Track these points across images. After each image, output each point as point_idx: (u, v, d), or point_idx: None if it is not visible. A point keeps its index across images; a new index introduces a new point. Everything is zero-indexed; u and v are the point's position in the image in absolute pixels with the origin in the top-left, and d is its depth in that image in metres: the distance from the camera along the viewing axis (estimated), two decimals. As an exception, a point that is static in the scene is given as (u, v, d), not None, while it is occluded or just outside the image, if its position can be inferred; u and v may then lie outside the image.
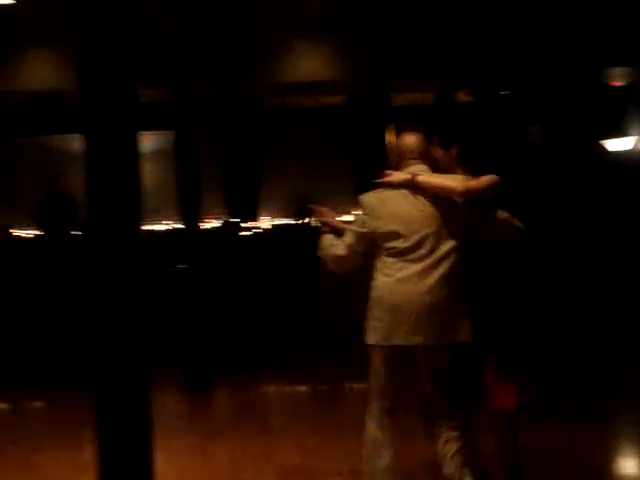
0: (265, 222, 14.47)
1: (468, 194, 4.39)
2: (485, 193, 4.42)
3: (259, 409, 7.41)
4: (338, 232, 4.65)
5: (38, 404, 8.56)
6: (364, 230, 4.47)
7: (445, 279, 4.37)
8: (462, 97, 13.80)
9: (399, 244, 4.39)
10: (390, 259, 4.41)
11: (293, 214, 14.10)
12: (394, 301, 4.36)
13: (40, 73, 11.01)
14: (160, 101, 9.76)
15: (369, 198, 4.52)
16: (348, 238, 4.52)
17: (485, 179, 4.42)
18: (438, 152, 4.59)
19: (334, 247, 4.55)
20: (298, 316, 11.94)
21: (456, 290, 4.40)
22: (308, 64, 11.24)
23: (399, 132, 4.83)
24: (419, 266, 4.36)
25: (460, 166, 4.54)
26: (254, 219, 14.33)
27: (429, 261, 4.37)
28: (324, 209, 4.81)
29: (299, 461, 5.70)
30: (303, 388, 8.70)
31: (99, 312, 3.40)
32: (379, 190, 4.53)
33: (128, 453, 3.46)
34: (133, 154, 3.40)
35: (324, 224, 4.73)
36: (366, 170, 14.38)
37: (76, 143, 13.39)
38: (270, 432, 6.52)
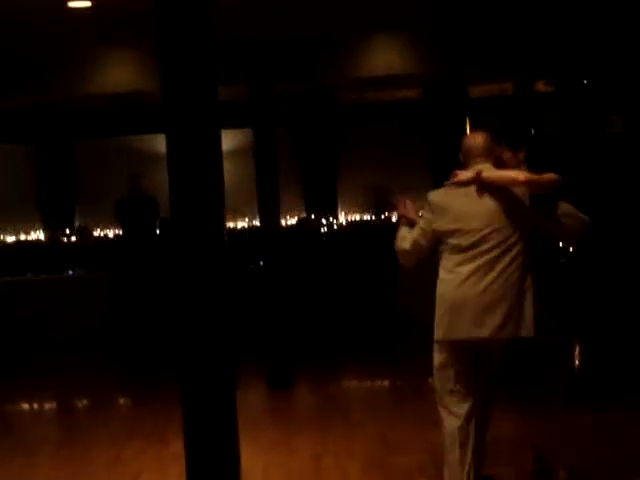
0: (343, 218, 14.48)
1: (528, 184, 4.51)
2: (545, 188, 4.55)
3: (340, 404, 7.42)
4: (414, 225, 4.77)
5: (127, 400, 8.73)
6: (429, 227, 4.63)
7: (506, 274, 4.49)
8: (541, 87, 13.62)
9: (462, 241, 4.53)
10: (453, 256, 4.56)
11: (371, 210, 14.08)
12: (456, 297, 4.51)
13: (121, 74, 11.22)
14: (238, 99, 9.86)
15: (435, 196, 4.70)
16: (414, 233, 4.69)
17: (547, 176, 4.55)
18: (506, 154, 4.76)
19: (403, 241, 4.71)
20: (378, 313, 11.92)
21: (519, 285, 4.50)
22: (383, 58, 11.21)
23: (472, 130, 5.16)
24: (480, 262, 4.50)
25: (527, 168, 4.70)
26: (333, 215, 14.34)
27: (490, 257, 4.50)
28: (408, 201, 4.90)
29: (381, 456, 5.71)
30: (383, 383, 8.69)
31: (185, 310, 3.45)
32: (446, 188, 4.70)
33: (215, 447, 3.51)
34: (215, 152, 3.44)
35: (403, 216, 4.84)
36: (443, 164, 14.26)
37: (156, 143, 13.61)
38: (352, 427, 6.53)
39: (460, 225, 4.54)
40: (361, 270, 12.30)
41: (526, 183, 4.52)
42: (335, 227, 13.82)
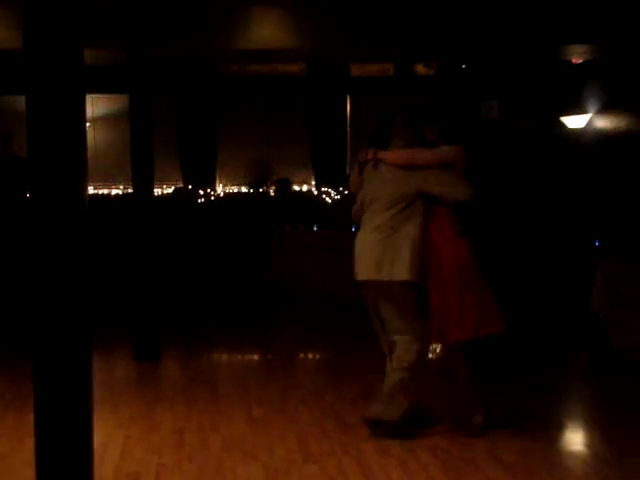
0: (220, 189, 14.37)
1: (407, 164, 5.53)
2: (426, 164, 5.53)
3: (207, 377, 7.36)
4: None
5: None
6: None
7: (387, 227, 5.48)
8: (421, 70, 13.79)
9: (366, 203, 5.69)
10: (363, 215, 5.71)
11: (249, 182, 14.02)
12: (356, 246, 5.66)
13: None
14: (115, 64, 9.62)
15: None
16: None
17: (428, 155, 5.55)
18: (425, 129, 5.63)
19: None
20: (248, 285, 11.91)
21: (401, 236, 5.45)
22: (267, 31, 11.12)
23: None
24: (371, 217, 5.60)
25: (442, 141, 5.60)
26: (210, 186, 14.21)
27: (378, 213, 5.56)
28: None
29: (245, 431, 5.69)
30: (252, 357, 8.68)
31: (39, 277, 3.32)
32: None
33: (67, 421, 3.40)
34: (77, 116, 3.31)
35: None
36: (323, 139, 14.34)
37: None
38: (217, 401, 6.48)
39: (367, 191, 5.70)
40: (234, 242, 12.26)
41: (404, 164, 5.52)
42: (212, 198, 13.71)
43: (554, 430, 5.79)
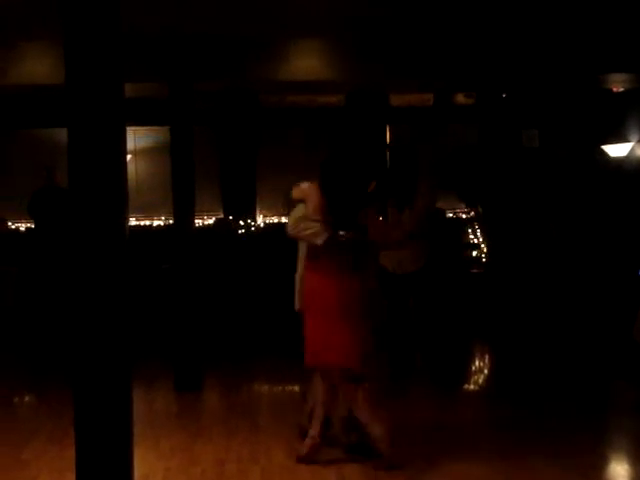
0: (260, 220, 14.41)
1: None
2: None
3: (248, 409, 7.35)
4: None
5: (29, 399, 8.51)
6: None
7: None
8: (461, 99, 13.77)
9: None
10: None
11: (288, 213, 14.05)
12: None
13: (38, 67, 10.96)
14: (159, 97, 9.71)
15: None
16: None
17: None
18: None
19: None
20: (290, 316, 11.88)
21: None
22: (306, 63, 11.17)
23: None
24: None
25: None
26: (251, 217, 14.26)
27: None
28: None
29: (285, 463, 5.66)
30: (292, 388, 8.65)
31: (80, 308, 3.34)
32: None
33: (107, 452, 3.41)
34: (118, 149, 3.34)
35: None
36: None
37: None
38: (257, 432, 6.47)
39: None
40: (275, 272, 12.23)
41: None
42: (252, 229, 13.75)
43: (596, 464, 5.69)
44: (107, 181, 3.28)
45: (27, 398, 8.52)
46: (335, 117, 14.11)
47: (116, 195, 3.34)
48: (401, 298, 7.96)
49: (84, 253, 3.30)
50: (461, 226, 12.78)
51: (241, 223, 13.71)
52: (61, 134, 14.81)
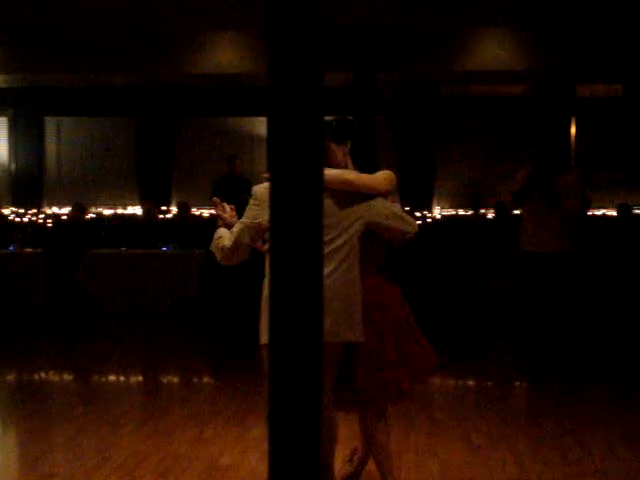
0: (437, 212, 14.33)
1: (364, 189, 4.34)
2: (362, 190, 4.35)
3: (425, 401, 7.32)
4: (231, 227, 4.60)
5: (212, 379, 8.80)
6: (255, 221, 4.36)
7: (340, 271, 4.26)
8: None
9: None
10: None
11: (467, 205, 13.88)
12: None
13: (227, 57, 11.29)
14: (340, 87, 9.80)
15: (260, 189, 4.40)
16: (235, 229, 4.47)
17: (380, 175, 4.43)
18: (331, 146, 4.47)
19: (221, 239, 4.51)
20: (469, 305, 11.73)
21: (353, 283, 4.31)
22: (491, 52, 11.01)
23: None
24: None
25: (352, 162, 4.55)
26: (427, 208, 14.19)
27: (328, 249, 4.12)
28: (217, 200, 4.76)
29: (464, 457, 5.60)
30: (468, 382, 8.56)
31: (275, 286, 3.38)
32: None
33: (300, 439, 3.44)
34: (317, 140, 3.36)
35: (220, 218, 4.68)
36: (542, 162, 13.91)
37: (254, 126, 13.67)
38: (435, 426, 6.44)
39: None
40: (461, 264, 12.04)
41: (361, 188, 4.33)
42: (429, 221, 13.68)
43: None
44: (306, 169, 3.31)
45: (208, 380, 8.81)
46: (519, 108, 13.81)
47: (313, 182, 3.36)
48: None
49: (284, 242, 3.35)
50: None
51: (417, 214, 13.67)
52: (243, 123, 15.31)
